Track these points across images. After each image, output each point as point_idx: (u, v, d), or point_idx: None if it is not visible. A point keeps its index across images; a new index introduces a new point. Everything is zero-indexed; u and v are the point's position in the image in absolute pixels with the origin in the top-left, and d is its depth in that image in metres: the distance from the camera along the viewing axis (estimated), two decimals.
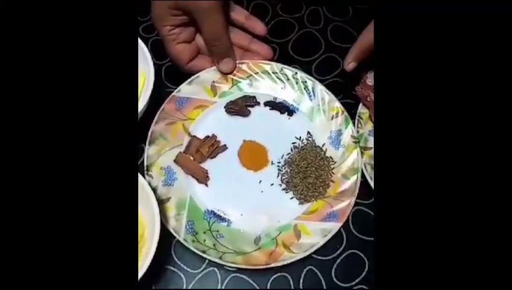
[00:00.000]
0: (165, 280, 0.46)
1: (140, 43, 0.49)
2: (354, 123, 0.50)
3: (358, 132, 0.50)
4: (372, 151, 0.49)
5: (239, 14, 0.52)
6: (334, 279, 0.46)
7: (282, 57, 0.54)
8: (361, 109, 0.51)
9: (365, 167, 0.48)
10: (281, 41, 0.58)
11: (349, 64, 0.50)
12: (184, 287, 0.46)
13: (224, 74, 0.53)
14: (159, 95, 0.50)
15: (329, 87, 0.53)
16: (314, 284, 0.46)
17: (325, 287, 0.46)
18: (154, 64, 0.48)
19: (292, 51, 0.58)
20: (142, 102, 0.46)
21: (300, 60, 0.56)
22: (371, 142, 0.50)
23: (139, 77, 0.48)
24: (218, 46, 0.50)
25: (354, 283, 0.46)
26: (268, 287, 0.46)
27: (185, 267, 0.47)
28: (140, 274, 0.40)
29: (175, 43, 0.50)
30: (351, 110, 0.51)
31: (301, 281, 0.46)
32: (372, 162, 0.49)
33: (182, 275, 0.46)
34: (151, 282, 0.46)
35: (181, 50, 0.51)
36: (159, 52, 0.53)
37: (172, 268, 0.47)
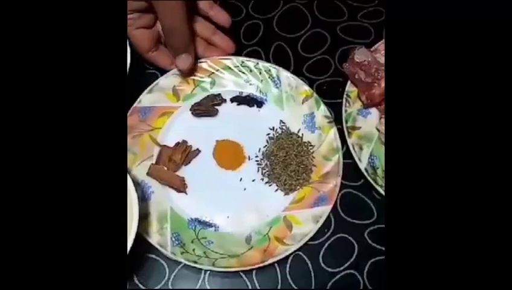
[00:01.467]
0: (146, 269, 0.44)
1: None
2: (342, 102, 0.49)
3: (346, 111, 0.48)
4: (361, 131, 0.48)
5: (204, 3, 0.50)
6: (322, 264, 0.44)
7: (266, 35, 0.52)
8: (350, 87, 0.50)
9: (353, 147, 0.47)
10: (265, 17, 0.55)
11: None
12: (166, 276, 0.43)
13: (183, 74, 0.50)
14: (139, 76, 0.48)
15: (317, 64, 0.51)
16: (301, 270, 0.44)
17: (312, 273, 0.44)
18: None
19: (277, 27, 0.55)
20: None
21: (285, 37, 0.54)
22: (359, 122, 0.48)
23: None
24: (176, 39, 0.46)
25: (342, 267, 0.44)
26: (254, 275, 0.44)
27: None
28: None
29: (133, 28, 0.47)
30: (339, 88, 0.50)
31: (288, 267, 0.44)
32: (361, 142, 0.47)
33: (164, 263, 0.44)
34: (132, 271, 0.43)
35: (140, 36, 0.48)
36: None
37: (153, 256, 0.44)
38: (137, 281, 0.43)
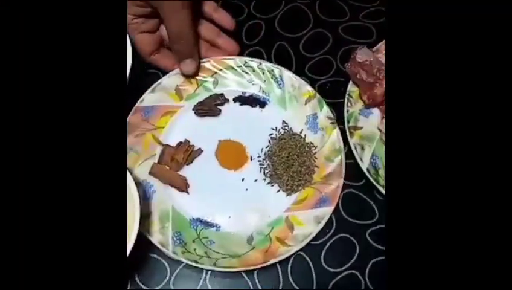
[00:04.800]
0: (148, 268, 0.44)
1: None
2: (344, 102, 0.49)
3: (348, 111, 0.48)
4: (362, 131, 0.48)
5: (208, 5, 0.50)
6: (324, 264, 0.44)
7: (268, 34, 0.51)
8: (351, 87, 0.49)
9: (355, 147, 0.46)
10: (267, 17, 0.55)
11: None
12: (168, 276, 0.43)
13: (187, 77, 0.50)
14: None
15: (318, 64, 0.51)
16: (303, 270, 0.44)
17: (314, 273, 0.44)
18: None
19: (279, 27, 0.55)
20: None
21: (287, 37, 0.54)
22: (361, 122, 0.48)
23: None
24: (181, 45, 0.47)
25: (344, 267, 0.44)
26: (255, 275, 0.44)
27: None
28: None
29: (137, 32, 0.47)
30: (341, 88, 0.50)
31: (289, 267, 0.44)
32: (363, 143, 0.47)
33: (166, 263, 0.44)
34: (134, 271, 0.43)
35: (143, 40, 0.48)
36: None
37: (155, 256, 0.44)
38: (138, 281, 0.43)
